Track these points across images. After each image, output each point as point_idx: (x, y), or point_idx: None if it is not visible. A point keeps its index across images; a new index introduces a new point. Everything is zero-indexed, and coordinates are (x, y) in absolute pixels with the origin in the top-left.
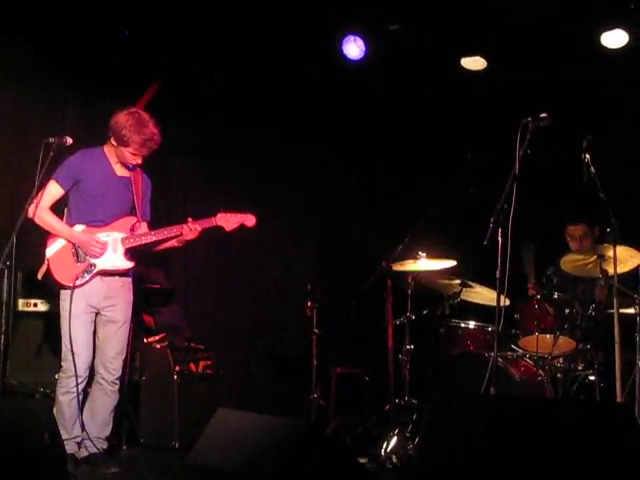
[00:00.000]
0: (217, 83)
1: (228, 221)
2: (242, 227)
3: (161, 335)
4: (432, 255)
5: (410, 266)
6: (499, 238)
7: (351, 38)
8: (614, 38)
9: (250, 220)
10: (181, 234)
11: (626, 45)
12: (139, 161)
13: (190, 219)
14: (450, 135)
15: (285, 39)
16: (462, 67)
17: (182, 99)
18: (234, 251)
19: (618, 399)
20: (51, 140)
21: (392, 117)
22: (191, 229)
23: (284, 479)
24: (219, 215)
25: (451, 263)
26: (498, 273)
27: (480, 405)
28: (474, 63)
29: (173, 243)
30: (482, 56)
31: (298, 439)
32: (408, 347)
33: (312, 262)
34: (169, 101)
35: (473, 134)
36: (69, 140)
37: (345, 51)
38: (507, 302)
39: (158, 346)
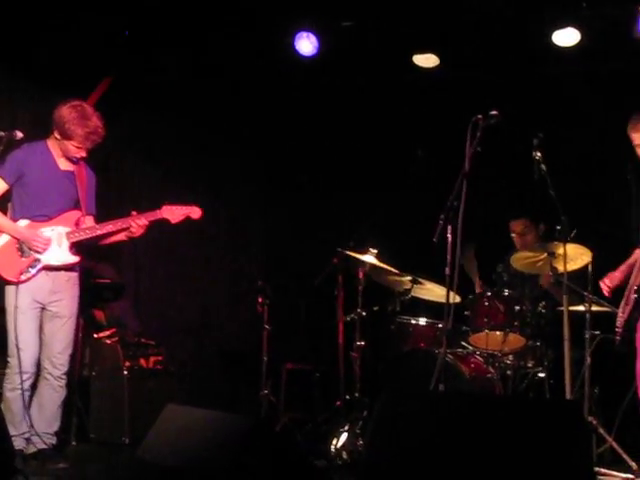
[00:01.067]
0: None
1: (173, 213)
2: (188, 219)
3: (111, 330)
4: (382, 257)
5: (360, 258)
6: (448, 235)
7: (304, 34)
8: (566, 36)
9: (195, 212)
10: (128, 227)
11: (578, 43)
12: (83, 154)
13: (134, 212)
14: (402, 132)
15: (237, 36)
16: (414, 64)
17: (132, 96)
18: (185, 246)
19: (567, 396)
20: (0, 134)
21: (344, 114)
22: (138, 224)
23: (232, 475)
24: (164, 208)
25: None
26: (448, 270)
27: (428, 402)
28: (426, 60)
29: (121, 237)
30: (434, 53)
31: (246, 435)
32: (359, 343)
33: (263, 258)
34: (119, 97)
35: (425, 131)
36: (19, 134)
37: (298, 47)
38: (457, 299)
39: (108, 341)
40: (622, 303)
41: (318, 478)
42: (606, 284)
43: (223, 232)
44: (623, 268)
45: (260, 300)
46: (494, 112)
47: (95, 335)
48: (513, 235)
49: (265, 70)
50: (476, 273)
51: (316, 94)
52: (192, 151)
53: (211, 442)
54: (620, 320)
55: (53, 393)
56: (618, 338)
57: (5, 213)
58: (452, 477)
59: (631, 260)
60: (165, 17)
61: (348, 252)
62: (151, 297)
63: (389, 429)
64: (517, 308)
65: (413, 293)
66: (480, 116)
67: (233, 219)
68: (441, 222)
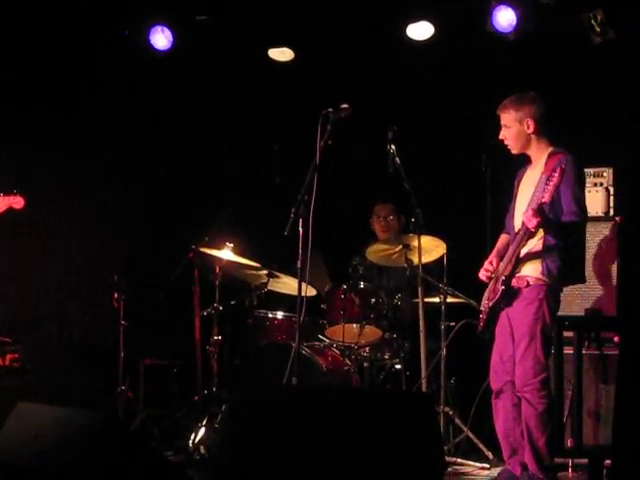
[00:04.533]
0: None
1: None
2: (11, 209)
3: None
4: (238, 251)
5: (216, 253)
6: (300, 228)
7: (158, 29)
8: (420, 30)
9: (18, 202)
10: None
11: (432, 37)
12: None
13: None
14: (258, 125)
15: (91, 30)
16: (270, 58)
17: None
18: (40, 241)
19: (423, 388)
20: None
21: (200, 108)
22: None
23: (80, 473)
24: None
25: (255, 264)
26: (299, 263)
27: (280, 395)
28: (281, 54)
29: None
30: (289, 47)
31: (96, 432)
32: (216, 338)
33: (119, 253)
34: None
35: (281, 125)
36: None
37: (152, 42)
38: (313, 292)
39: None
40: (489, 289)
41: (172, 473)
42: (488, 269)
43: (79, 227)
44: (494, 254)
45: (116, 295)
46: (345, 105)
47: None
48: (376, 220)
49: (120, 64)
50: (327, 280)
51: (172, 88)
52: (46, 146)
53: (62, 440)
54: (484, 307)
55: None
56: (481, 324)
57: None
58: (306, 470)
59: (498, 245)
60: (15, 14)
61: (203, 247)
62: (5, 293)
63: (242, 423)
64: (373, 300)
65: (270, 287)
66: (330, 109)
67: (89, 214)
68: (292, 216)
